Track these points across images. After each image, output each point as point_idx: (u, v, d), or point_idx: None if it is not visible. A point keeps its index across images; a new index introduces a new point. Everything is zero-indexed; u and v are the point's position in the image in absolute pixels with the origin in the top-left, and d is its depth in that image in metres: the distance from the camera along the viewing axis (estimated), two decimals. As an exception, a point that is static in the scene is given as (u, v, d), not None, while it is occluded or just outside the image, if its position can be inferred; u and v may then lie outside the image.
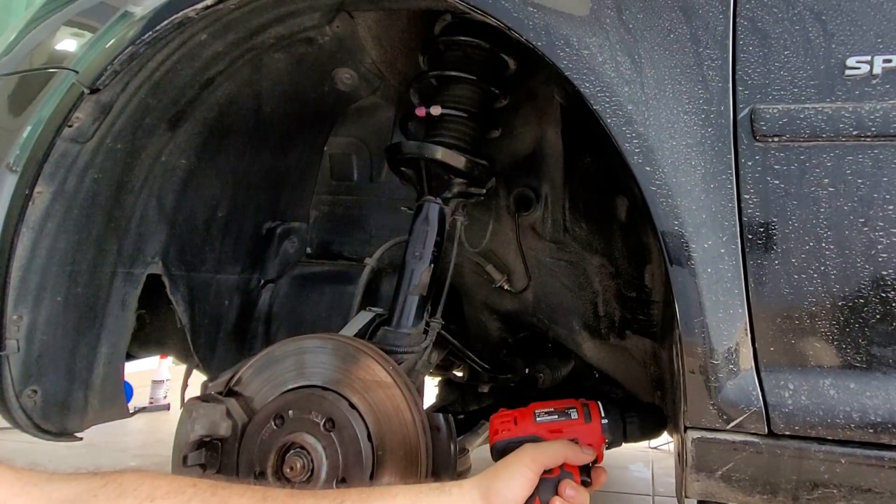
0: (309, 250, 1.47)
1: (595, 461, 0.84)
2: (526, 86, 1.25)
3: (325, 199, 1.47)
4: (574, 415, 0.86)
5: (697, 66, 0.77)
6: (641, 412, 0.91)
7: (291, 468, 0.82)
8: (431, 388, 1.65)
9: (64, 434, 1.11)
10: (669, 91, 0.77)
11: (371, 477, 0.83)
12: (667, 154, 0.76)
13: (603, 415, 0.87)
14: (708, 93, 0.76)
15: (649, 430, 0.94)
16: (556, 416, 0.86)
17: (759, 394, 0.75)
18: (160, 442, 2.76)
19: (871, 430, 0.72)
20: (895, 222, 0.71)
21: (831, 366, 0.74)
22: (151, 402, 3.34)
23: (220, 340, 1.36)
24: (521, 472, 0.73)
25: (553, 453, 0.78)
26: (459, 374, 1.62)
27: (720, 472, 0.77)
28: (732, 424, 0.76)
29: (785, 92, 0.74)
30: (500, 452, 0.85)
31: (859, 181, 0.72)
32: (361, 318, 1.08)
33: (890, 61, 0.71)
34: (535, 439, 0.84)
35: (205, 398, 0.90)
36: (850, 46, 0.72)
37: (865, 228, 0.72)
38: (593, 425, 0.86)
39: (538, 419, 0.86)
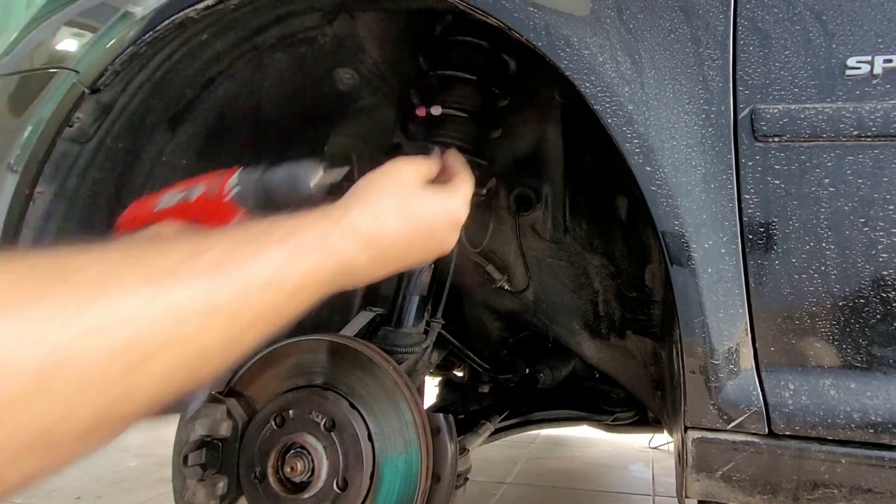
0: (309, 250, 1.46)
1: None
2: (526, 86, 1.25)
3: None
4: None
5: (698, 66, 0.77)
6: None
7: (292, 468, 0.82)
8: (432, 388, 1.65)
9: (64, 434, 1.11)
10: (670, 91, 0.77)
11: (371, 478, 0.83)
12: (667, 154, 0.76)
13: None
14: (708, 93, 0.76)
15: None
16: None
17: (760, 394, 0.75)
18: (160, 442, 2.76)
19: (871, 431, 0.72)
20: (895, 222, 0.71)
21: (832, 366, 0.74)
22: (152, 402, 3.34)
23: (220, 340, 1.36)
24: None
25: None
26: (460, 374, 1.62)
27: (720, 472, 0.77)
28: (733, 424, 0.76)
29: (785, 92, 0.74)
30: None
31: (860, 181, 0.72)
32: (362, 318, 1.08)
33: (890, 61, 0.71)
34: None
35: (205, 398, 0.90)
36: (851, 46, 0.72)
37: (866, 228, 0.72)
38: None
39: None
